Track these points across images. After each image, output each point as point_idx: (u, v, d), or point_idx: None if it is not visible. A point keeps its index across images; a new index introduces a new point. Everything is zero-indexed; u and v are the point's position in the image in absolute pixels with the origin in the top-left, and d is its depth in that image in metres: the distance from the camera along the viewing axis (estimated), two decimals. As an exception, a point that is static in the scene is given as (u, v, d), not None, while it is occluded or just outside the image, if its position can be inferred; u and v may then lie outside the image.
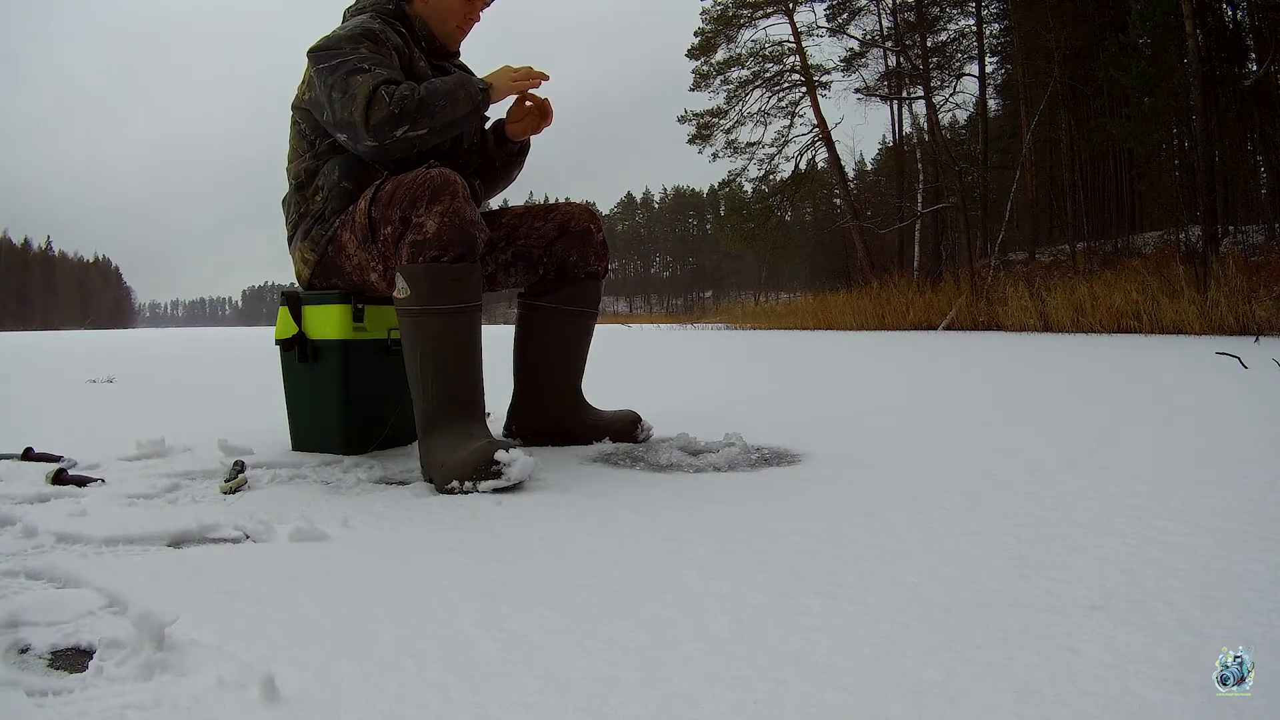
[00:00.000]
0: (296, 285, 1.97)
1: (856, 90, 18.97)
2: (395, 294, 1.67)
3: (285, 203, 1.93)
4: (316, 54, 1.75)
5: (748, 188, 21.68)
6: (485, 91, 1.77)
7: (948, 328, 12.85)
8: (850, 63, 19.35)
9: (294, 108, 1.88)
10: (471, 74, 1.94)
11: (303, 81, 1.84)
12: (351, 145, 1.73)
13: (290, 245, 1.93)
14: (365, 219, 1.73)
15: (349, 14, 1.92)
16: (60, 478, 1.58)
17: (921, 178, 18.33)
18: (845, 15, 19.07)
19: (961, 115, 20.63)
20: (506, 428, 2.09)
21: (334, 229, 1.82)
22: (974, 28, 17.64)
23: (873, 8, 18.90)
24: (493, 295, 2.09)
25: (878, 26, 19.13)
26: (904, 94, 19.09)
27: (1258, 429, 2.21)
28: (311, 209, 1.86)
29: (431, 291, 1.63)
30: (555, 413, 2.07)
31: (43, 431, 2.34)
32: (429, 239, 1.62)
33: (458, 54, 2.03)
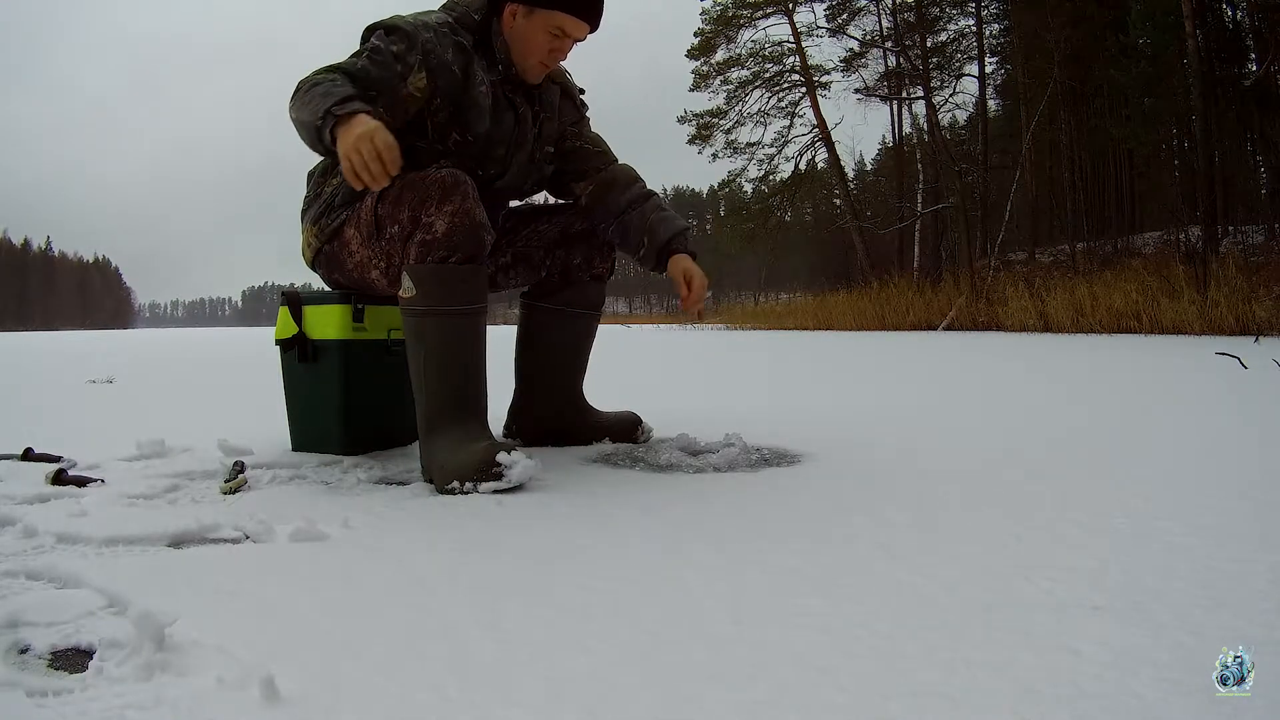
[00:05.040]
0: (297, 288, 1.96)
1: (856, 90, 18.97)
2: (400, 293, 1.66)
3: (312, 172, 1.90)
4: (366, 31, 1.71)
5: (747, 188, 21.70)
6: (335, 118, 1.47)
7: (948, 328, 12.84)
8: (850, 63, 19.36)
9: None
10: (555, 107, 1.92)
11: None
12: None
13: (303, 218, 1.90)
14: (371, 216, 1.72)
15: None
16: (60, 478, 1.58)
17: (921, 178, 18.30)
18: (845, 15, 19.07)
19: (961, 115, 20.63)
20: (507, 428, 2.09)
21: (340, 221, 1.80)
22: (974, 28, 17.64)
23: (873, 8, 18.90)
24: (491, 295, 2.09)
25: (877, 27, 19.14)
26: (904, 94, 19.08)
27: (1258, 429, 2.22)
28: (324, 193, 1.84)
29: (438, 292, 1.63)
30: (556, 413, 2.07)
31: (43, 431, 2.34)
32: (438, 239, 1.61)
33: (538, 88, 1.88)
